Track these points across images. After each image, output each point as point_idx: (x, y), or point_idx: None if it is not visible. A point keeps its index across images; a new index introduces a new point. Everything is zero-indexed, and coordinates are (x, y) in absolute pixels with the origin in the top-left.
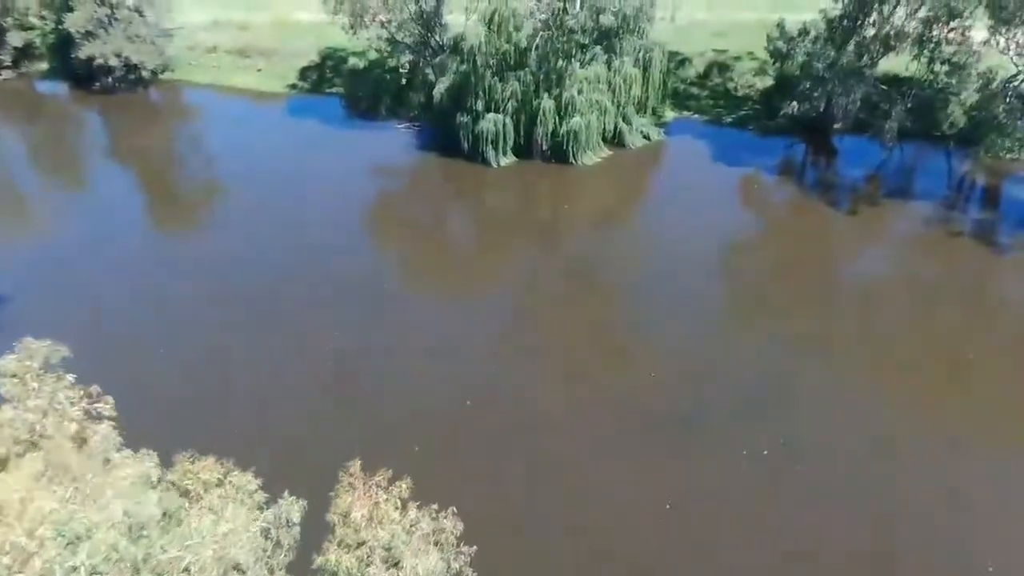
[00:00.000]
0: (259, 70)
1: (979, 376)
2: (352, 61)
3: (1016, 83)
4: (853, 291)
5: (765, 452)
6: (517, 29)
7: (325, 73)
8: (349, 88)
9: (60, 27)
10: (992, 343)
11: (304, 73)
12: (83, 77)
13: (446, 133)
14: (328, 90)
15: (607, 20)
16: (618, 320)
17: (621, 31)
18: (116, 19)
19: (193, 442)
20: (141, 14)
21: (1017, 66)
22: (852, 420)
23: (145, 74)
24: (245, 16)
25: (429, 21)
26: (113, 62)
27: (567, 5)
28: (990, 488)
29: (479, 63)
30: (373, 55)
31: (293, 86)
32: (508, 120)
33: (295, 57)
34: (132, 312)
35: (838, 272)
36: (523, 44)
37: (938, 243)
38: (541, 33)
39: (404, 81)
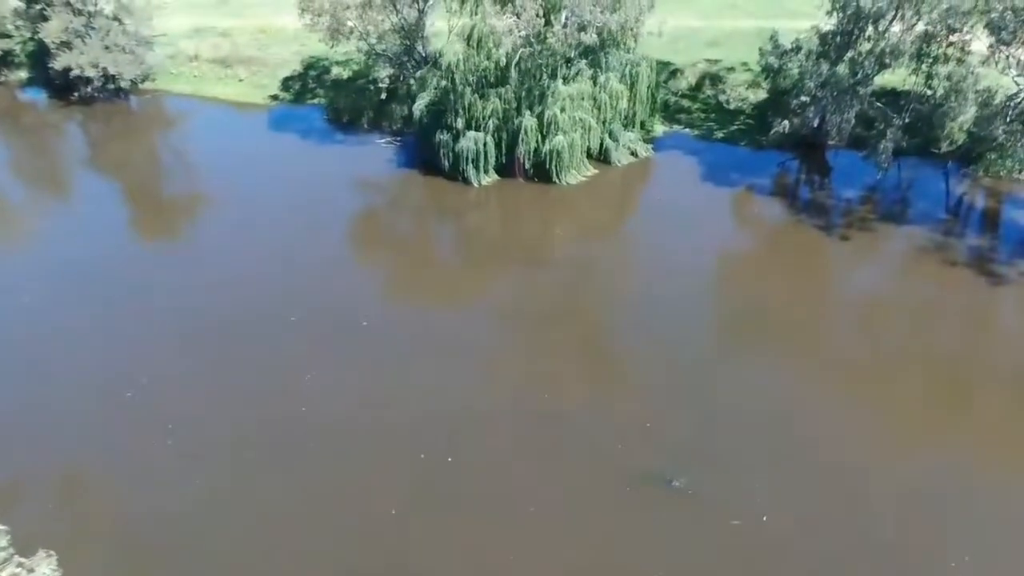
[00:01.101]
0: (241, 80)
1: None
2: (336, 71)
3: (1017, 102)
4: (844, 325)
5: (764, 518)
6: (497, 46)
7: (308, 83)
8: (331, 99)
9: (36, 36)
10: (989, 380)
11: (286, 83)
12: (62, 87)
13: (427, 149)
14: (311, 101)
15: (588, 39)
16: (601, 352)
17: (607, 45)
18: (93, 28)
19: None
20: (120, 23)
21: (1019, 84)
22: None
23: (124, 84)
24: (229, 23)
25: (411, 33)
26: (90, 72)
27: (551, 18)
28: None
29: (457, 80)
30: (357, 65)
31: (275, 97)
32: (489, 138)
33: (278, 66)
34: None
35: (827, 305)
36: (503, 61)
37: (933, 273)
38: (522, 50)
39: (384, 96)
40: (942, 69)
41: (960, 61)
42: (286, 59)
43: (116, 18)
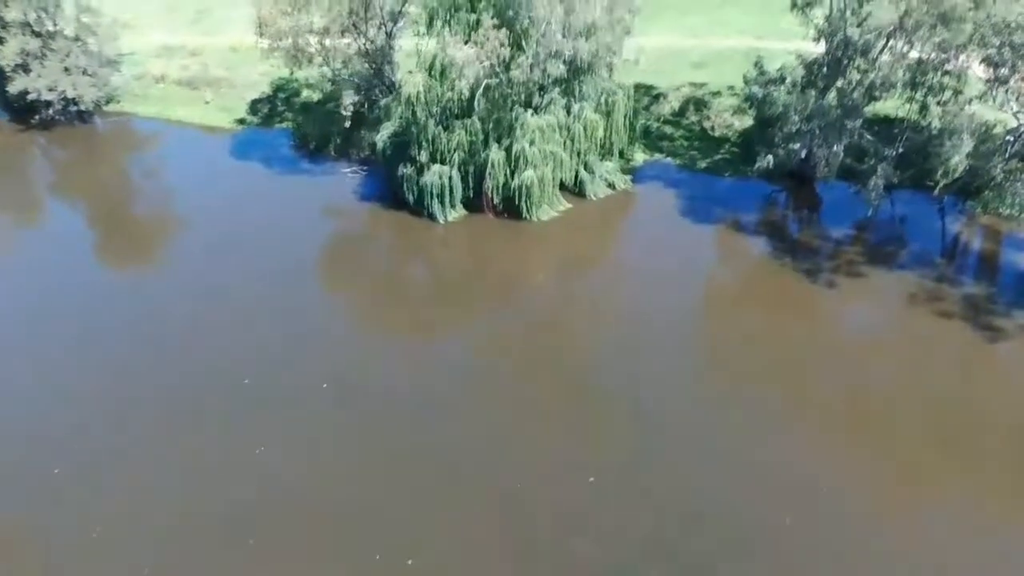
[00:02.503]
0: (207, 102)
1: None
2: (305, 94)
3: (1017, 137)
4: (830, 383)
5: None
6: (459, 77)
7: (276, 106)
8: (299, 124)
9: None
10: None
11: (254, 106)
12: (21, 110)
13: (394, 181)
14: (279, 124)
15: (555, 70)
16: (571, 412)
17: (580, 74)
18: (52, 50)
19: None
20: (83, 43)
21: (1018, 120)
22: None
23: (85, 107)
24: (201, 41)
25: (378, 57)
26: (48, 96)
27: (523, 44)
28: None
29: (419, 112)
30: (329, 87)
31: (241, 120)
32: (455, 172)
33: (246, 88)
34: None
35: (812, 358)
36: (466, 93)
37: (925, 326)
38: (487, 81)
39: (349, 123)
40: (936, 108)
41: (957, 93)
42: (254, 80)
43: (78, 38)
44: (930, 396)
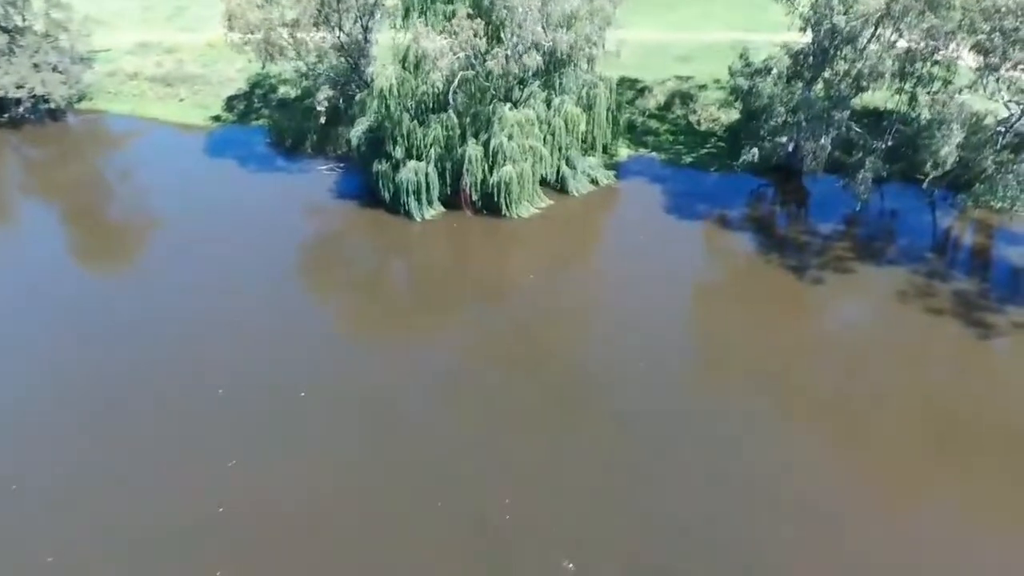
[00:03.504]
0: (181, 99)
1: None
2: (283, 90)
3: (1008, 127)
4: (818, 381)
5: None
6: (432, 69)
7: (253, 103)
8: (275, 121)
9: None
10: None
11: (230, 103)
12: None
13: (370, 178)
14: (255, 122)
15: (532, 62)
16: (553, 420)
17: (560, 66)
18: (20, 47)
19: None
20: (54, 39)
21: (1009, 109)
22: None
23: (56, 104)
24: (178, 38)
25: (354, 51)
26: (17, 93)
27: (502, 35)
28: None
29: (393, 106)
30: (306, 84)
31: (216, 117)
32: (432, 169)
33: (222, 85)
34: None
35: (801, 357)
36: (441, 86)
37: (916, 322)
38: (462, 73)
39: (324, 119)
40: (925, 98)
41: (947, 83)
42: (231, 77)
43: (48, 34)
44: (921, 393)
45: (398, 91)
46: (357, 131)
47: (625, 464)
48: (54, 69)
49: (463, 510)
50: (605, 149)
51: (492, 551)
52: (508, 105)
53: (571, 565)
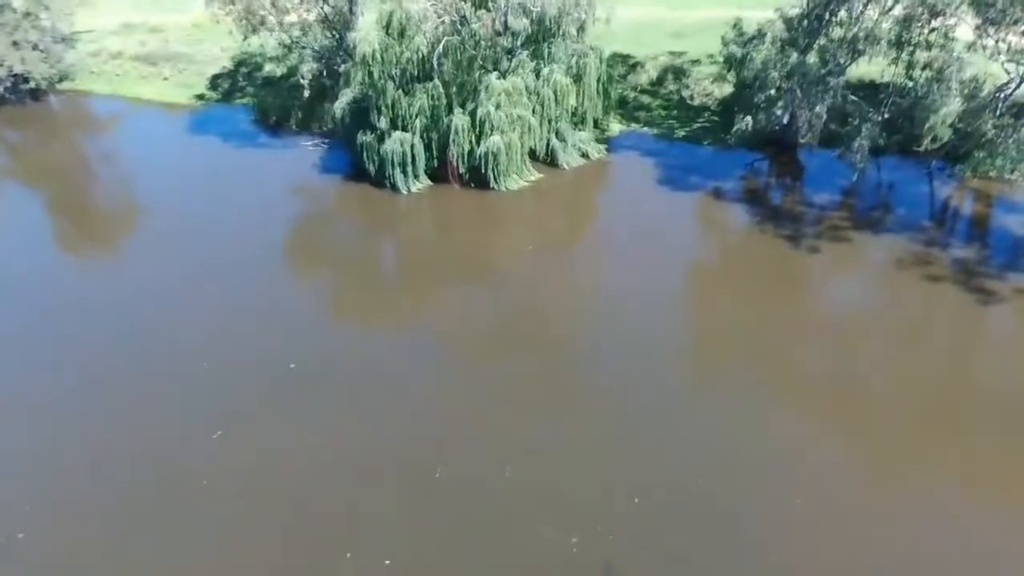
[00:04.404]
0: (165, 78)
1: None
2: (268, 68)
3: (1007, 92)
4: (817, 353)
5: None
6: (418, 32)
7: (238, 81)
8: (260, 99)
9: None
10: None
11: (215, 81)
12: None
13: (353, 151)
14: (240, 100)
15: (518, 24)
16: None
17: (549, 34)
18: None
19: None
20: (35, 18)
21: (1008, 73)
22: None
23: (37, 84)
24: (164, 18)
25: (339, 24)
26: None
27: (490, 3)
28: None
29: (376, 75)
30: (292, 60)
31: (200, 96)
32: (417, 140)
33: (207, 63)
34: None
35: (798, 329)
36: (425, 52)
37: (915, 290)
38: (447, 39)
39: (308, 94)
40: (923, 56)
41: (944, 48)
42: (215, 56)
43: (28, 13)
44: (921, 363)
45: (382, 58)
46: (341, 102)
47: (622, 438)
48: (35, 48)
49: (462, 475)
50: (596, 123)
51: (492, 518)
52: (496, 74)
53: (574, 540)
